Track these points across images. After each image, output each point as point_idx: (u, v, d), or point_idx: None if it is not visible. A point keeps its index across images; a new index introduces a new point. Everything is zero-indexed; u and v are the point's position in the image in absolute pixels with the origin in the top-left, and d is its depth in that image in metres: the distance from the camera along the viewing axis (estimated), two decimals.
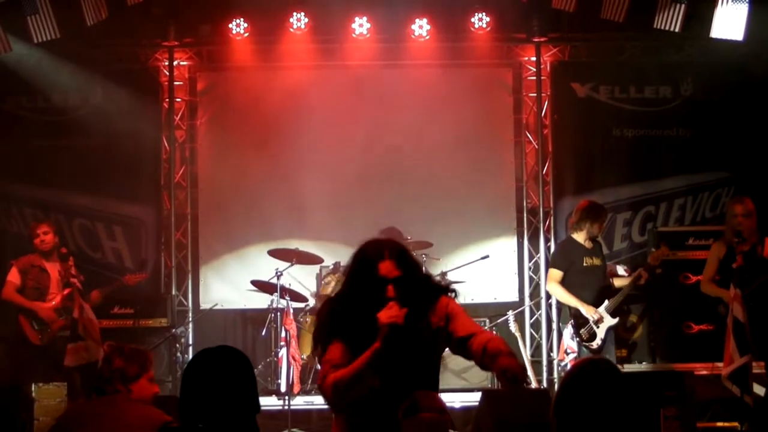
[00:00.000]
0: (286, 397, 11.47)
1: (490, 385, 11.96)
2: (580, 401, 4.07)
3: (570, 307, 10.77)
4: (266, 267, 12.72)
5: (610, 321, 10.61)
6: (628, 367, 11.94)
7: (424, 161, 13.99)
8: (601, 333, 10.57)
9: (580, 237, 10.80)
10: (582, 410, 4.05)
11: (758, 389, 9.85)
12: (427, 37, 13.86)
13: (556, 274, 10.85)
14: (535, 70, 14.33)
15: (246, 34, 13.79)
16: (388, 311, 5.35)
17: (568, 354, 10.86)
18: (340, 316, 5.54)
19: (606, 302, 10.63)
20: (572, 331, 10.74)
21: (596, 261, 10.80)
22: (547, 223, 14.20)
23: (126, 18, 13.22)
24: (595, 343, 10.57)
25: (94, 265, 13.58)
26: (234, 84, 14.46)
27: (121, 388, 5.93)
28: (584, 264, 10.72)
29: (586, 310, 10.57)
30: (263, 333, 12.67)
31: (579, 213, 10.87)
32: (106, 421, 5.72)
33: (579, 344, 10.67)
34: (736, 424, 10.12)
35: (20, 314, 11.30)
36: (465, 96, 14.13)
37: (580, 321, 10.64)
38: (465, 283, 13.27)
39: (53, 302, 11.23)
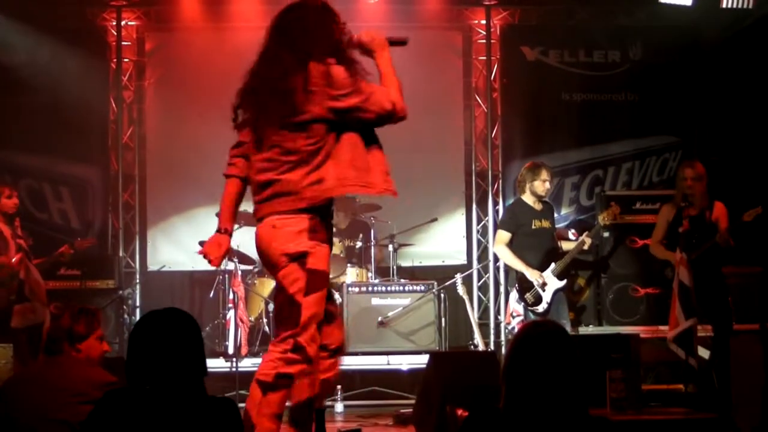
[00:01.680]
0: (234, 359, 11.47)
1: (437, 348, 12.02)
2: (527, 364, 4.09)
3: (516, 271, 10.81)
4: (214, 229, 12.65)
5: (556, 284, 10.64)
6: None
7: None
8: (547, 296, 10.60)
9: (528, 198, 10.80)
10: (530, 373, 4.07)
11: (703, 352, 9.95)
12: None
13: (503, 235, 10.86)
14: (484, 33, 14.34)
15: None
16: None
17: (514, 317, 10.89)
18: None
19: (552, 265, 10.67)
20: (517, 295, 10.79)
21: (545, 223, 10.81)
22: (496, 186, 14.25)
23: None
24: (541, 307, 10.60)
25: (40, 226, 13.49)
26: (183, 44, 14.38)
27: (68, 348, 5.90)
28: (532, 226, 10.73)
29: (531, 274, 10.59)
30: (211, 295, 12.65)
31: (521, 174, 10.89)
32: (49, 383, 5.70)
33: (525, 307, 10.72)
34: (680, 386, 10.21)
35: None
36: (415, 59, 14.02)
37: (525, 285, 10.66)
38: (413, 246, 13.34)
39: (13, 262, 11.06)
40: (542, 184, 10.75)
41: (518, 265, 10.68)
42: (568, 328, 10.71)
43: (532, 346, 4.12)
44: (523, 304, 10.69)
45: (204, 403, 4.24)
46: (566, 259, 10.77)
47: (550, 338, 4.13)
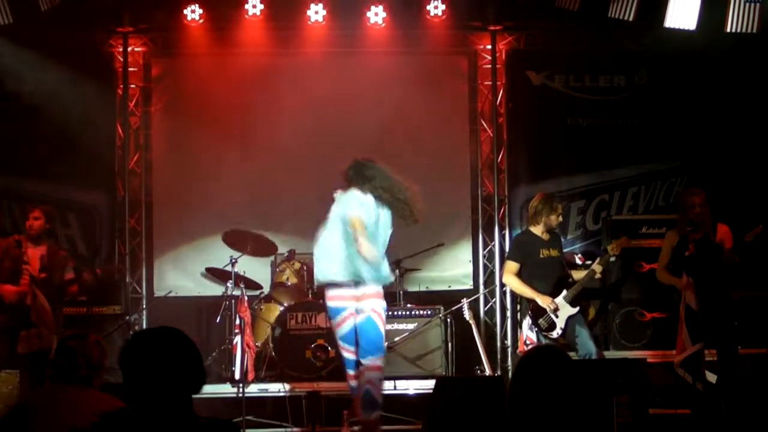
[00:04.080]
0: (240, 385, 11.46)
1: (444, 373, 12.00)
2: (530, 388, 4.10)
3: (528, 299, 10.79)
4: (221, 254, 12.70)
5: (569, 310, 10.60)
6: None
7: (378, 149, 13.94)
8: (560, 323, 10.56)
9: (537, 230, 10.81)
10: (533, 397, 4.07)
11: (710, 377, 9.93)
12: (383, 25, 13.85)
13: (512, 266, 10.84)
14: (490, 58, 14.35)
15: (201, 21, 13.75)
16: None
17: (527, 345, 10.87)
18: None
19: (564, 292, 10.64)
20: (530, 322, 10.75)
21: (553, 252, 10.81)
22: (502, 211, 14.24)
23: (80, 4, 13.18)
24: (555, 333, 10.56)
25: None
26: (189, 70, 14.40)
27: (91, 374, 5.92)
28: (541, 256, 10.72)
29: (542, 301, 10.56)
30: (217, 320, 12.64)
31: (534, 206, 10.88)
32: (59, 410, 5.69)
33: (538, 334, 10.66)
34: (688, 411, 10.19)
35: None
36: (420, 84, 14.11)
37: (538, 312, 10.63)
38: (420, 270, 13.32)
39: (21, 288, 10.91)
40: (557, 218, 10.81)
41: (528, 292, 10.66)
42: (594, 352, 10.65)
43: (533, 370, 4.13)
44: (536, 330, 10.65)
45: (203, 426, 4.21)
46: (577, 287, 10.75)
47: (551, 362, 4.14)
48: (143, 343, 4.27)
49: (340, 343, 9.36)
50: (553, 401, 4.04)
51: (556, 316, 10.57)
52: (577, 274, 11.04)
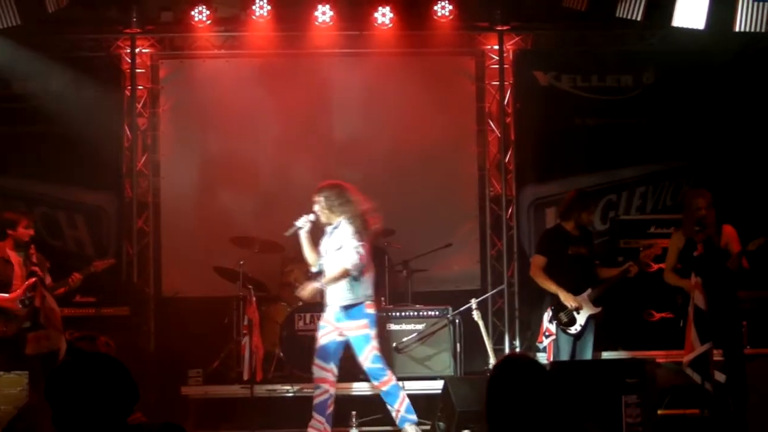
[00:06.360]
0: (249, 386, 11.46)
1: (453, 373, 11.99)
2: (502, 396, 4.14)
3: (552, 293, 10.81)
4: (228, 255, 12.70)
5: (591, 309, 10.64)
6: None
7: (386, 149, 13.98)
8: (581, 320, 10.58)
9: (568, 225, 10.87)
10: (505, 404, 4.11)
11: (719, 376, 9.92)
12: (390, 26, 13.84)
13: (539, 260, 10.91)
14: (497, 58, 14.32)
15: (208, 22, 13.74)
16: None
17: (546, 336, 10.86)
18: None
19: (589, 290, 10.65)
20: (551, 314, 10.75)
21: (582, 249, 10.83)
22: (510, 211, 14.22)
23: (87, 5, 13.21)
24: (574, 329, 10.60)
25: (55, 254, 13.44)
26: (196, 71, 14.40)
27: None
28: (569, 252, 10.76)
29: (564, 297, 10.58)
30: (226, 321, 12.65)
31: (568, 202, 10.97)
32: None
33: (557, 327, 10.69)
34: (696, 411, 10.19)
35: None
36: (427, 84, 14.11)
37: (559, 306, 10.66)
38: (427, 271, 13.30)
39: (16, 293, 11.00)
40: (589, 216, 10.91)
41: (552, 287, 10.70)
42: (589, 355, 10.72)
43: (503, 378, 4.18)
44: (555, 323, 10.68)
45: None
46: (604, 286, 10.78)
47: (521, 370, 4.18)
48: (66, 376, 4.16)
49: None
50: (524, 408, 4.07)
51: (578, 313, 10.59)
52: (606, 272, 11.05)
